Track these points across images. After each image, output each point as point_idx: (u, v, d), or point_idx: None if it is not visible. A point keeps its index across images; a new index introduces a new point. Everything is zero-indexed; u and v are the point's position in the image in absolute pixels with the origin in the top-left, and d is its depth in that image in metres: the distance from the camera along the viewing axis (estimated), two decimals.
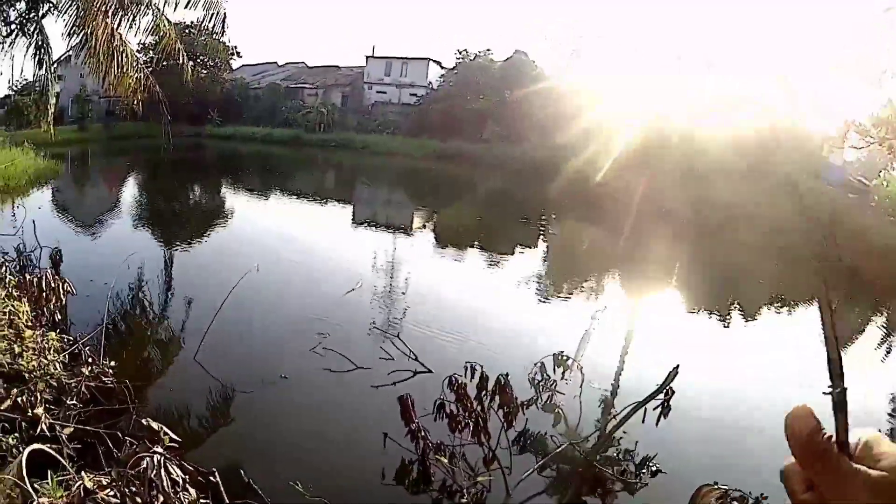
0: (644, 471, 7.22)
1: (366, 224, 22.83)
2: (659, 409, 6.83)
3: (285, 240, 17.85)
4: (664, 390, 6.69)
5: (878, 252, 18.03)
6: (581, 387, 7.96)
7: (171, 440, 4.53)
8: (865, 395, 9.84)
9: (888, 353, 12.63)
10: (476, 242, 19.82)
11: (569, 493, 6.55)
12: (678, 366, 6.54)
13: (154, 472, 4.25)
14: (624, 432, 7.13)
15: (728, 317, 13.67)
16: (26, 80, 25.88)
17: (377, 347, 10.29)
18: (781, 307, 14.74)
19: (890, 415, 9.52)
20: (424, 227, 23.13)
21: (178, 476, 4.36)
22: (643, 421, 6.82)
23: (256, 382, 8.96)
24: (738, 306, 14.53)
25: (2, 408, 5.95)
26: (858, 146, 21.33)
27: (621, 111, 34.38)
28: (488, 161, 40.06)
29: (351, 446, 7.86)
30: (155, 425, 4.54)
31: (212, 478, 6.01)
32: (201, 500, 4.72)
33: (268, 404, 8.59)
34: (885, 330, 14.15)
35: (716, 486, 5.00)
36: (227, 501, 5.92)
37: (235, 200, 24.76)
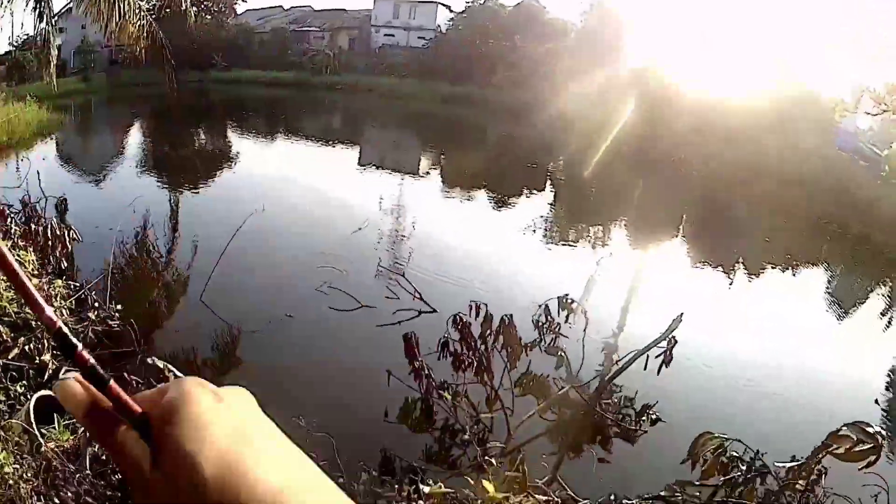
0: (644, 418, 7.25)
1: (372, 166, 22.72)
2: (661, 357, 6.79)
3: (291, 182, 17.80)
4: (667, 339, 6.66)
5: (886, 222, 17.83)
6: (585, 331, 7.91)
7: (177, 377, 4.59)
8: (862, 362, 9.93)
9: (890, 322, 12.58)
10: (483, 186, 19.65)
11: (567, 440, 6.60)
12: (682, 314, 6.51)
13: None
14: (624, 380, 7.13)
15: (732, 271, 13.59)
16: (27, 35, 25.71)
17: (382, 287, 10.34)
18: (786, 265, 14.63)
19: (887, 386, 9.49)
20: (431, 169, 23.00)
21: None
22: (645, 368, 6.78)
23: (262, 321, 9.04)
24: (742, 262, 14.42)
25: (9, 356, 6.04)
26: (872, 112, 20.91)
27: (634, 63, 33.89)
28: (497, 106, 39.59)
29: (355, 384, 7.95)
30: (160, 363, 4.60)
31: None
32: None
33: (273, 343, 8.68)
34: (888, 299, 14.07)
35: (715, 435, 5.02)
36: None
37: (241, 144, 24.69)
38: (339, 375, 8.13)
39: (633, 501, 5.00)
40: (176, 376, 4.54)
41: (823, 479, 4.64)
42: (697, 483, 4.93)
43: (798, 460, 4.70)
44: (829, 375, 8.93)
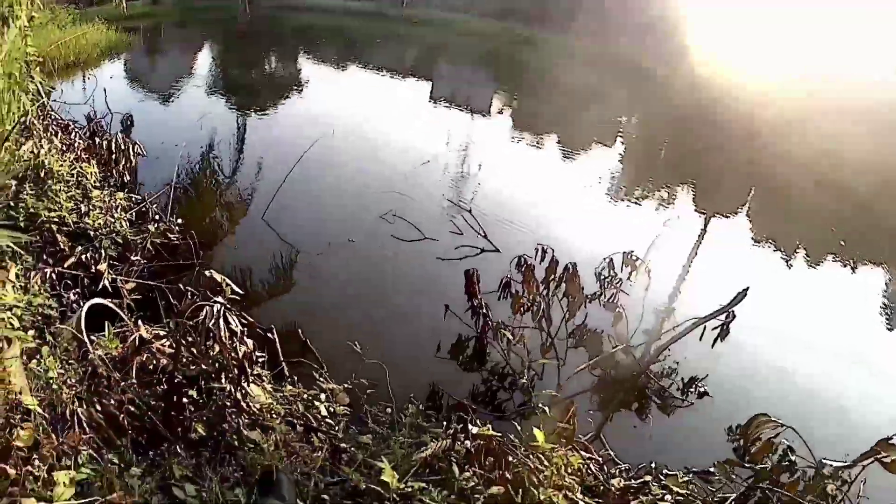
0: (691, 390, 7.00)
1: (443, 102, 22.30)
2: (717, 330, 6.57)
3: (361, 110, 17.42)
4: (727, 312, 6.37)
5: None
6: (646, 291, 7.73)
7: (234, 292, 4.42)
8: None
9: None
10: (553, 133, 19.14)
11: (615, 401, 6.36)
12: (747, 289, 6.13)
13: (212, 321, 4.17)
14: (676, 347, 6.72)
15: (802, 254, 12.87)
16: None
17: (446, 221, 10.17)
18: (858, 255, 13.71)
19: None
20: (502, 111, 22.47)
21: (236, 327, 4.28)
22: (700, 339, 6.57)
23: (322, 244, 8.97)
24: (812, 246, 13.64)
25: (65, 265, 5.99)
26: None
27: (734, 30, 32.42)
28: (576, 53, 38.54)
29: (410, 315, 7.84)
30: (218, 277, 4.43)
31: (269, 334, 6.03)
32: (257, 355, 4.67)
33: (332, 267, 8.58)
34: None
35: (770, 419, 4.72)
36: (283, 358, 5.93)
37: (312, 71, 24.31)
38: (396, 304, 8.01)
39: (677, 473, 4.75)
40: (233, 291, 4.38)
41: (862, 488, 4.36)
42: (746, 465, 4.67)
43: (843, 461, 4.42)
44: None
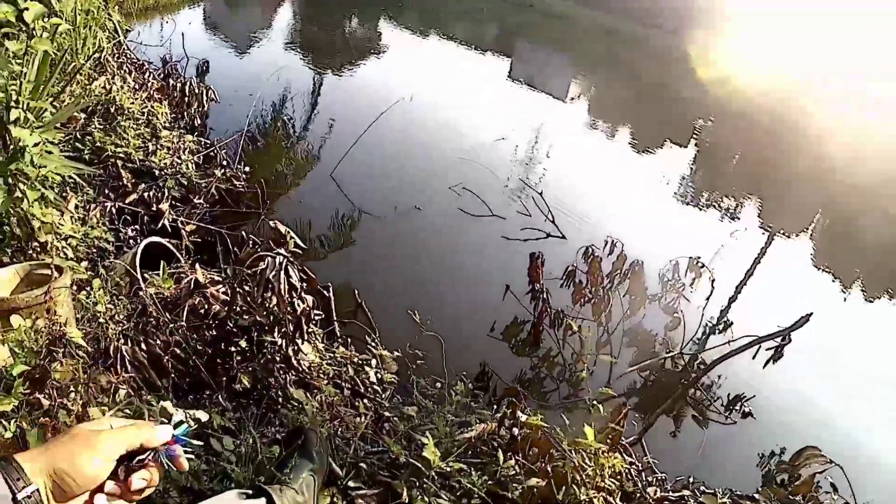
0: (736, 408, 6.62)
1: (521, 81, 21.96)
2: (772, 351, 6.24)
3: (439, 80, 17.24)
4: (784, 335, 6.02)
5: None
6: (707, 300, 7.48)
7: (297, 245, 4.27)
8: None
9: None
10: (627, 126, 18.74)
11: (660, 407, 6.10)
12: (811, 314, 5.79)
13: (273, 272, 4.02)
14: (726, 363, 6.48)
15: (861, 283, 12.24)
16: None
17: (515, 201, 9.94)
18: None
19: None
20: (579, 98, 22.08)
21: (296, 282, 4.13)
22: (753, 358, 6.29)
23: (388, 208, 8.81)
24: (877, 278, 12.97)
25: (127, 201, 5.92)
26: None
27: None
28: (656, 46, 37.76)
29: (468, 289, 7.65)
30: (282, 228, 4.29)
31: (326, 292, 5.87)
32: (314, 312, 4.51)
33: (395, 231, 8.44)
34: None
35: (820, 454, 4.45)
36: (336, 318, 5.79)
37: (392, 36, 24.15)
38: (455, 278, 7.82)
39: (715, 491, 4.49)
40: (297, 244, 4.23)
41: None
42: (791, 497, 4.40)
43: None
44: None
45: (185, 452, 1.37)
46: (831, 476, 4.39)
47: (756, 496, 4.60)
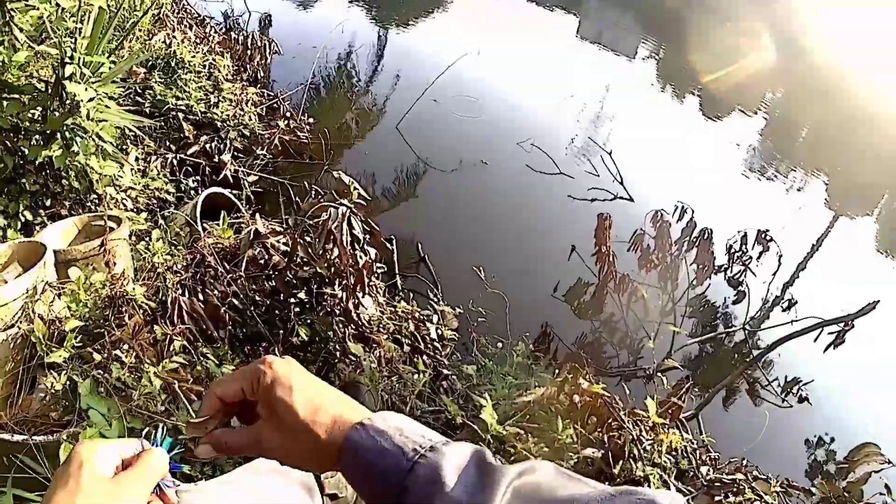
0: (793, 392, 6.34)
1: (589, 40, 21.47)
2: (834, 336, 5.92)
3: (506, 36, 16.93)
4: (848, 321, 5.77)
5: None
6: (773, 276, 7.12)
7: (360, 196, 4.14)
8: None
9: None
10: (699, 89, 18.17)
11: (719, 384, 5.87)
12: (877, 302, 5.57)
13: (335, 224, 3.90)
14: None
15: None
16: None
17: (583, 160, 9.66)
18: None
19: None
20: (649, 58, 21.49)
21: (360, 233, 4.01)
22: (815, 341, 5.94)
23: (454, 161, 8.66)
24: None
25: (188, 152, 5.89)
26: None
27: None
28: (730, 13, 36.34)
29: (533, 248, 7.51)
30: (346, 179, 4.15)
31: (389, 244, 5.77)
32: (376, 265, 4.41)
33: (461, 186, 8.30)
34: None
35: (879, 452, 4.20)
36: (398, 271, 5.69)
37: None
38: (520, 235, 7.68)
39: (768, 477, 4.26)
40: (360, 195, 4.10)
41: None
42: (844, 493, 4.17)
43: None
44: None
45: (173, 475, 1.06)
46: (886, 476, 4.16)
47: (812, 489, 4.40)
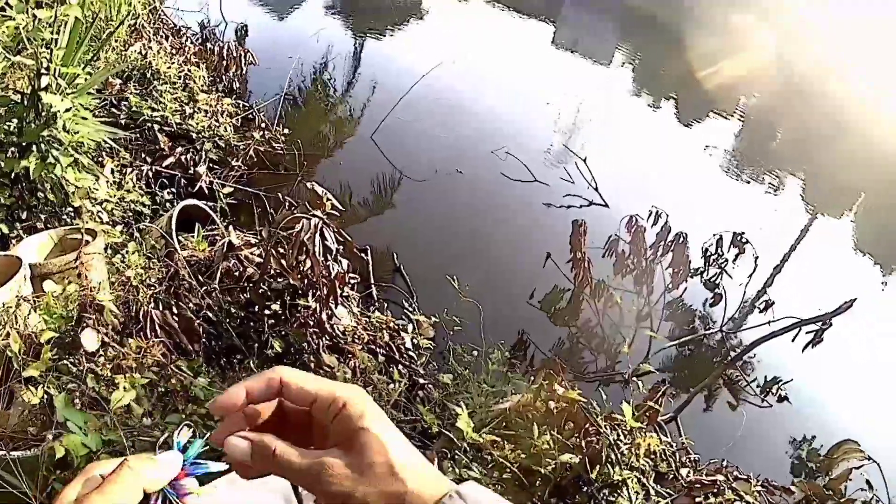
0: (772, 392, 6.49)
1: (565, 47, 21.65)
2: (812, 335, 6.00)
3: (482, 44, 16.95)
4: (825, 320, 5.85)
5: None
6: (749, 278, 7.23)
7: (334, 207, 4.19)
8: None
9: None
10: (673, 95, 18.37)
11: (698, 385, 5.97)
12: (854, 300, 5.66)
13: (308, 235, 3.94)
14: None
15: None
16: None
17: (558, 167, 9.75)
18: None
19: None
20: (625, 65, 21.70)
21: (332, 244, 4.05)
22: (793, 341, 6.00)
23: (429, 171, 8.68)
24: None
25: (163, 164, 5.91)
26: None
27: None
28: (706, 19, 36.59)
29: (509, 256, 7.60)
30: (319, 189, 4.20)
31: (364, 255, 5.81)
32: (349, 276, 4.44)
33: (435, 195, 8.36)
34: None
35: (859, 449, 4.28)
36: (374, 282, 5.74)
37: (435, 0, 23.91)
38: (495, 243, 7.76)
39: (749, 477, 4.35)
40: (334, 206, 4.15)
41: None
42: (824, 491, 4.25)
43: None
44: None
45: (207, 479, 0.91)
46: (867, 472, 4.23)
47: (791, 487, 4.47)
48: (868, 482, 4.17)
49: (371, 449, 0.79)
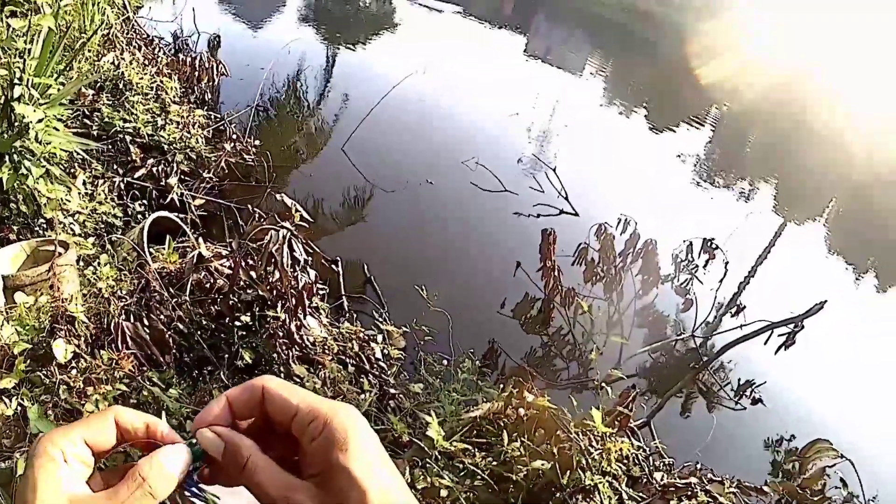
0: (746, 394, 6.65)
1: (537, 58, 21.82)
2: (784, 338, 6.21)
3: (453, 55, 17.07)
4: (797, 322, 6.05)
5: None
6: (720, 283, 7.43)
7: (303, 219, 4.24)
8: None
9: None
10: (644, 104, 18.61)
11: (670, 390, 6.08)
12: (825, 302, 5.88)
13: (276, 246, 4.00)
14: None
15: (880, 275, 12.12)
16: None
17: (528, 177, 9.91)
18: None
19: None
20: (595, 75, 21.90)
21: (300, 255, 4.11)
22: (765, 343, 6.21)
23: (399, 183, 8.77)
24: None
25: (135, 175, 5.93)
26: None
27: None
28: (675, 27, 36.92)
29: (479, 265, 7.71)
30: (288, 201, 4.25)
31: (334, 266, 5.88)
32: (318, 287, 4.50)
33: (406, 206, 8.44)
34: None
35: (832, 447, 4.40)
36: (344, 292, 5.79)
37: (407, 10, 23.91)
38: (466, 253, 7.88)
39: (723, 479, 4.45)
40: (303, 217, 4.21)
41: None
42: (797, 490, 4.36)
43: None
44: None
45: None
46: (841, 470, 4.34)
47: (765, 488, 4.57)
48: (842, 480, 4.29)
49: (348, 496, 0.67)
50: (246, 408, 0.75)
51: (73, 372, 3.13)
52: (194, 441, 0.73)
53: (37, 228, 4.44)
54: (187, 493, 0.74)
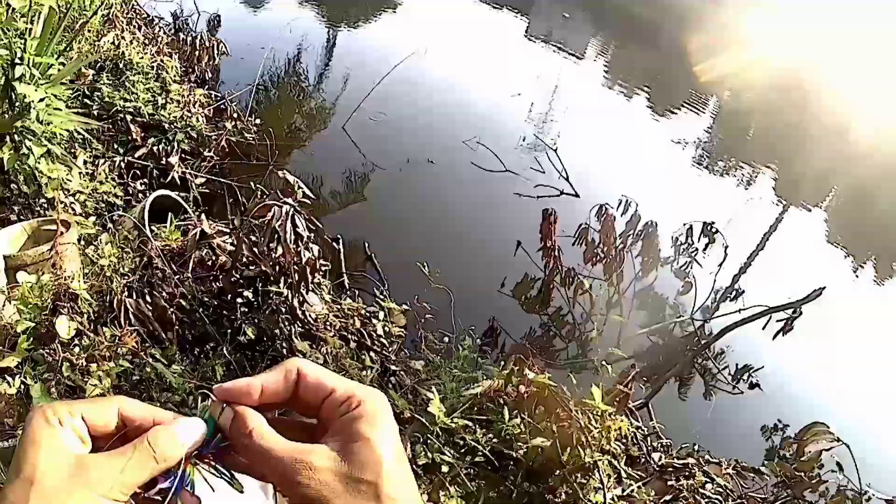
0: (743, 378, 6.71)
1: (539, 39, 21.68)
2: (782, 323, 6.19)
3: (455, 35, 16.98)
4: (796, 308, 6.04)
5: None
6: (720, 267, 7.39)
7: (305, 195, 4.24)
8: None
9: None
10: (645, 87, 18.52)
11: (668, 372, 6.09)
12: (823, 288, 5.86)
13: (279, 222, 4.00)
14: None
15: (879, 263, 12.11)
16: None
17: (529, 157, 9.88)
18: None
19: None
20: (598, 57, 21.78)
21: (303, 231, 4.11)
22: (764, 328, 6.22)
23: (401, 161, 8.78)
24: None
25: (136, 155, 5.93)
26: None
27: None
28: (678, 14, 36.49)
29: (480, 244, 7.71)
30: (290, 178, 4.25)
31: (336, 243, 5.89)
32: (321, 263, 4.50)
33: (407, 184, 8.44)
34: None
35: (828, 431, 4.40)
36: (345, 270, 5.80)
37: None
38: (467, 232, 7.88)
39: (720, 460, 4.48)
40: (305, 194, 4.20)
41: None
42: (797, 472, 4.38)
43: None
44: None
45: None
46: (837, 455, 4.35)
47: (762, 469, 4.60)
48: (838, 463, 4.30)
49: (364, 464, 0.69)
50: (278, 394, 0.75)
51: (76, 349, 3.15)
52: (206, 417, 0.73)
53: (38, 209, 4.45)
54: (204, 467, 0.74)
